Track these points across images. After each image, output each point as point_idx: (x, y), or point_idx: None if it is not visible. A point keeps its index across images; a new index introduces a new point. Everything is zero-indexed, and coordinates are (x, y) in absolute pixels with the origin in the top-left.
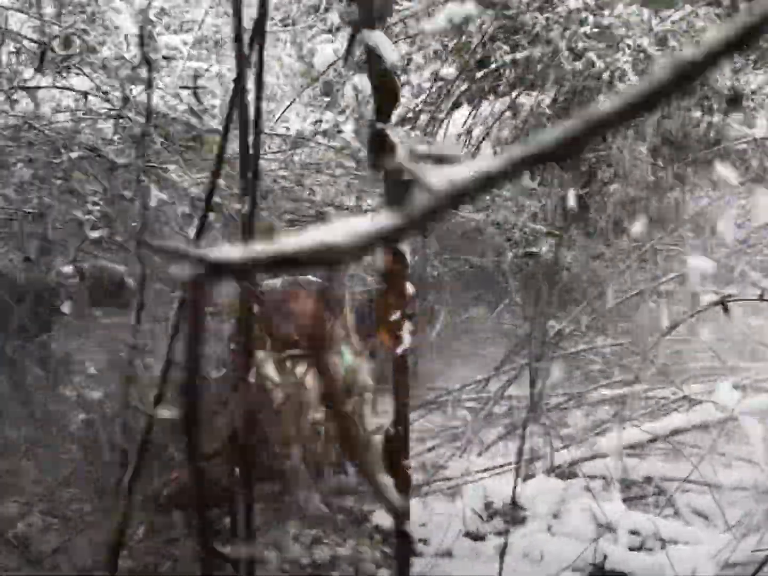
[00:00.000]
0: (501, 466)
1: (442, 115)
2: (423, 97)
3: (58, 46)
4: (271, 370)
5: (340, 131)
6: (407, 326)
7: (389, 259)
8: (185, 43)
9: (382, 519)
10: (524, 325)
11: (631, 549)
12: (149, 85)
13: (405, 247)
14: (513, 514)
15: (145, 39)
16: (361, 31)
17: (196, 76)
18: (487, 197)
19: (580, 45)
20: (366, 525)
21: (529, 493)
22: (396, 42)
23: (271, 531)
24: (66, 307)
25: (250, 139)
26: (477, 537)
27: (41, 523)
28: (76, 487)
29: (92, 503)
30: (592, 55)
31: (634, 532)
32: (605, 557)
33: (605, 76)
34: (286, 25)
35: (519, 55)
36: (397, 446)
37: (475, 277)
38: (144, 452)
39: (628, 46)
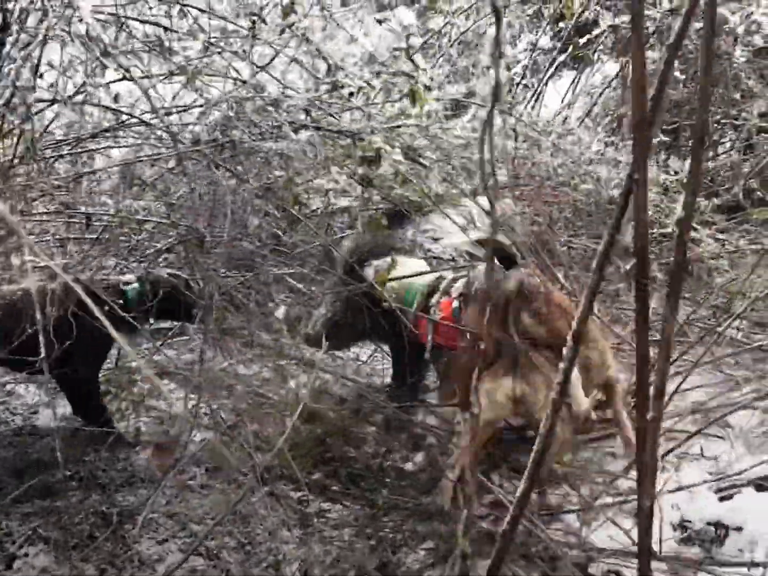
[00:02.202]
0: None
1: (537, 88)
2: (518, 68)
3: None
4: None
5: None
6: None
7: None
8: None
9: None
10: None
11: None
12: None
13: None
14: (716, 537)
15: None
16: None
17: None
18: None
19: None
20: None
21: (733, 512)
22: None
23: None
24: None
25: None
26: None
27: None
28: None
29: (235, 537)
30: (723, 10)
31: None
32: None
33: (740, 30)
34: None
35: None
36: None
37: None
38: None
39: None
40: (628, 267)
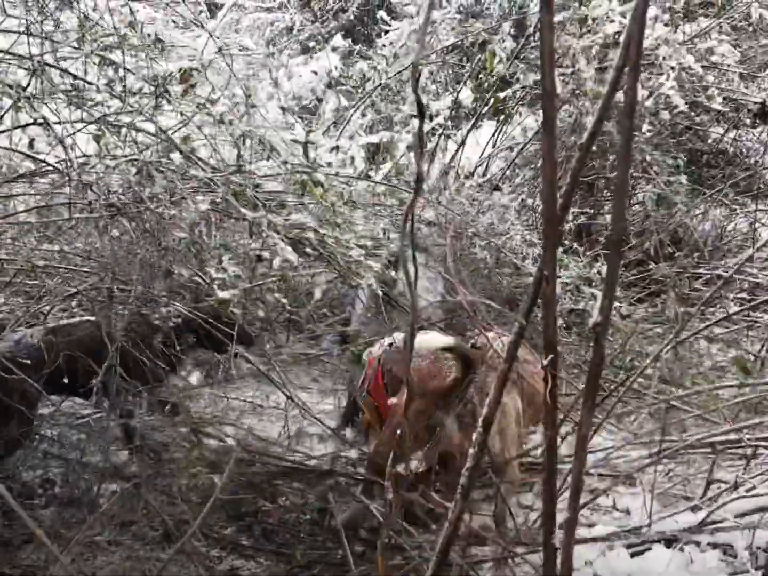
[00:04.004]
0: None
1: (458, 138)
2: (440, 119)
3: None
4: None
5: None
6: None
7: None
8: None
9: None
10: None
11: None
12: None
13: None
14: None
15: None
16: None
17: None
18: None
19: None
20: None
21: (645, 569)
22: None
23: None
24: None
25: None
26: None
27: None
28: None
29: None
30: None
31: None
32: None
33: (648, 103)
34: None
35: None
36: None
37: None
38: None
39: (672, 68)
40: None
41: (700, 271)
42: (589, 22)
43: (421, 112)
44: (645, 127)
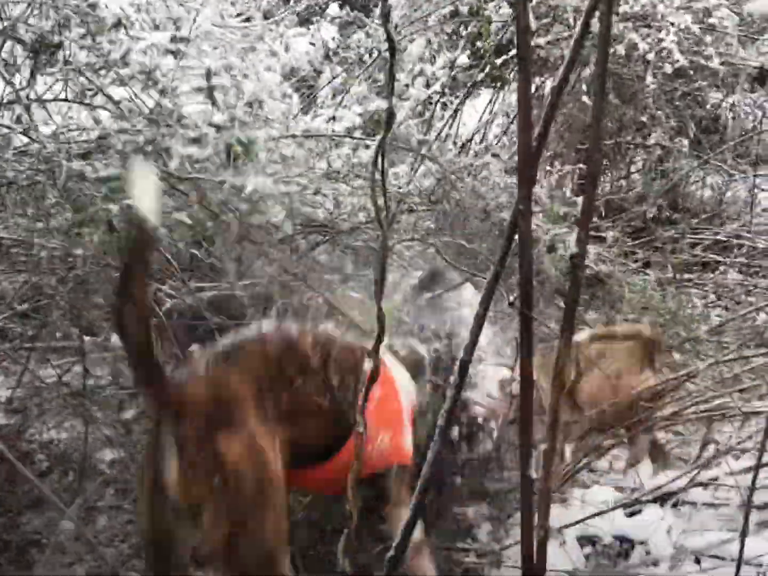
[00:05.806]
0: None
1: (455, 106)
2: (436, 86)
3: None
4: None
5: None
6: None
7: None
8: None
9: None
10: None
11: None
12: None
13: None
14: (622, 551)
15: None
16: None
17: None
18: None
19: (621, 26)
20: None
21: (642, 526)
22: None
23: None
24: None
25: None
26: None
27: None
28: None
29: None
30: (635, 36)
31: None
32: None
33: (650, 56)
34: None
35: (543, 40)
36: None
37: None
38: None
39: (672, 24)
40: (512, 298)
41: (699, 237)
42: None
43: (392, 47)
44: (649, 78)
